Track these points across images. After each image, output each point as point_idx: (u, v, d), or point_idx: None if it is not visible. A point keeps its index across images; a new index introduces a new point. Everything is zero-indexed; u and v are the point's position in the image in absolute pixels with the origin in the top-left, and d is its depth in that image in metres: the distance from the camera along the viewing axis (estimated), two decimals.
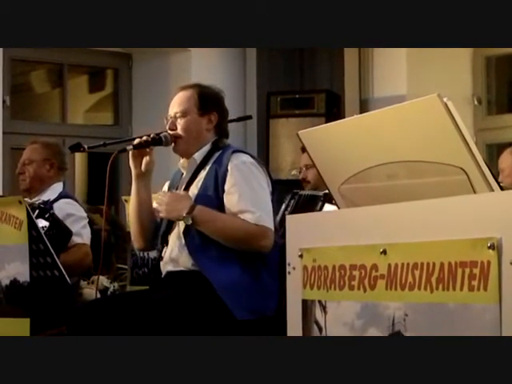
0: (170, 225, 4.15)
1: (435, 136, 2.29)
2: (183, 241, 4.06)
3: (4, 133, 7.55)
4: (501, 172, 5.82)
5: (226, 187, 3.99)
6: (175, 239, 4.11)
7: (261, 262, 3.98)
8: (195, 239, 4.03)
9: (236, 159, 4.04)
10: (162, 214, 4.05)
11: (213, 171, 4.06)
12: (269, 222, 3.94)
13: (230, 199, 3.97)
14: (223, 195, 3.99)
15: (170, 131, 4.14)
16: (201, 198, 4.04)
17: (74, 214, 5.10)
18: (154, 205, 4.15)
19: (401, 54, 8.05)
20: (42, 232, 4.46)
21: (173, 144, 4.15)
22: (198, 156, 4.14)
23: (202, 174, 4.11)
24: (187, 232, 4.05)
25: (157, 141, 4.13)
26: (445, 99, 2.22)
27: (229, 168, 4.00)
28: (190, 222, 3.93)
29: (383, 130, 2.45)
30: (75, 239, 5.00)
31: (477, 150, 2.27)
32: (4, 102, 7.64)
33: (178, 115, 4.15)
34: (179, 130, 4.13)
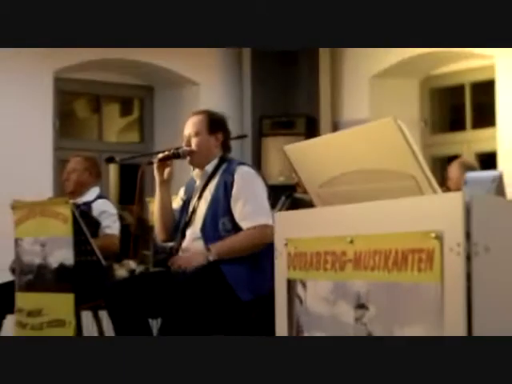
0: (188, 222, 4.14)
1: (391, 150, 2.28)
2: (199, 235, 4.06)
3: (54, 149, 7.55)
4: (449, 180, 5.81)
5: (233, 192, 3.99)
6: (191, 233, 4.11)
7: (260, 251, 3.97)
8: (210, 236, 4.03)
9: (241, 170, 4.06)
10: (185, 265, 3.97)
11: (222, 180, 4.07)
12: (267, 219, 3.95)
13: (236, 204, 3.99)
14: (231, 199, 4.00)
15: (185, 147, 4.15)
16: (214, 201, 4.06)
17: (107, 211, 5.12)
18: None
19: (364, 85, 8.06)
20: (83, 224, 4.47)
21: (188, 157, 4.16)
22: (209, 167, 4.15)
23: (213, 182, 4.12)
24: (204, 229, 4.05)
25: (176, 155, 4.14)
26: (398, 121, 2.21)
27: (235, 177, 4.02)
28: (214, 258, 3.93)
29: (350, 145, 2.44)
30: (106, 230, 5.04)
31: (424, 161, 2.26)
32: (54, 124, 7.65)
33: (192, 135, 4.16)
34: (193, 147, 4.14)
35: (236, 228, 4.01)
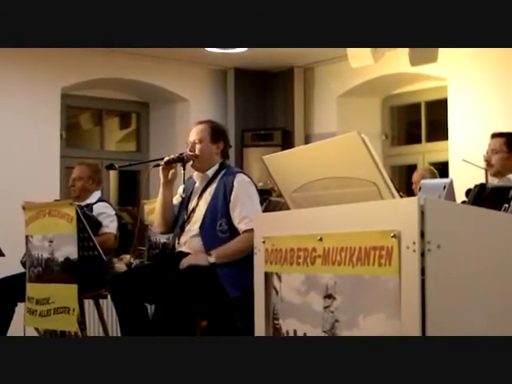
0: (187, 219, 4.12)
1: (356, 160, 2.28)
2: (196, 232, 4.03)
3: (61, 157, 7.52)
4: (414, 183, 6.13)
5: (232, 198, 3.98)
6: (189, 229, 4.09)
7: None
8: (208, 234, 4.01)
9: (239, 177, 4.05)
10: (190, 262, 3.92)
11: (222, 184, 4.05)
12: None
13: (235, 208, 3.96)
14: (229, 203, 3.98)
15: (189, 152, 4.12)
16: (213, 202, 4.04)
17: (105, 212, 5.13)
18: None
19: (333, 103, 8.08)
20: (86, 223, 4.45)
21: (191, 161, 4.13)
22: (210, 172, 4.13)
23: (213, 186, 4.10)
24: (203, 226, 4.02)
25: (180, 159, 4.11)
26: (362, 135, 2.22)
27: (234, 184, 4.00)
28: (214, 260, 3.88)
29: (320, 155, 2.44)
30: (105, 229, 5.05)
31: (384, 170, 2.26)
32: (61, 135, 7.62)
33: (196, 141, 4.13)
34: (197, 152, 4.11)
35: (231, 230, 3.98)
